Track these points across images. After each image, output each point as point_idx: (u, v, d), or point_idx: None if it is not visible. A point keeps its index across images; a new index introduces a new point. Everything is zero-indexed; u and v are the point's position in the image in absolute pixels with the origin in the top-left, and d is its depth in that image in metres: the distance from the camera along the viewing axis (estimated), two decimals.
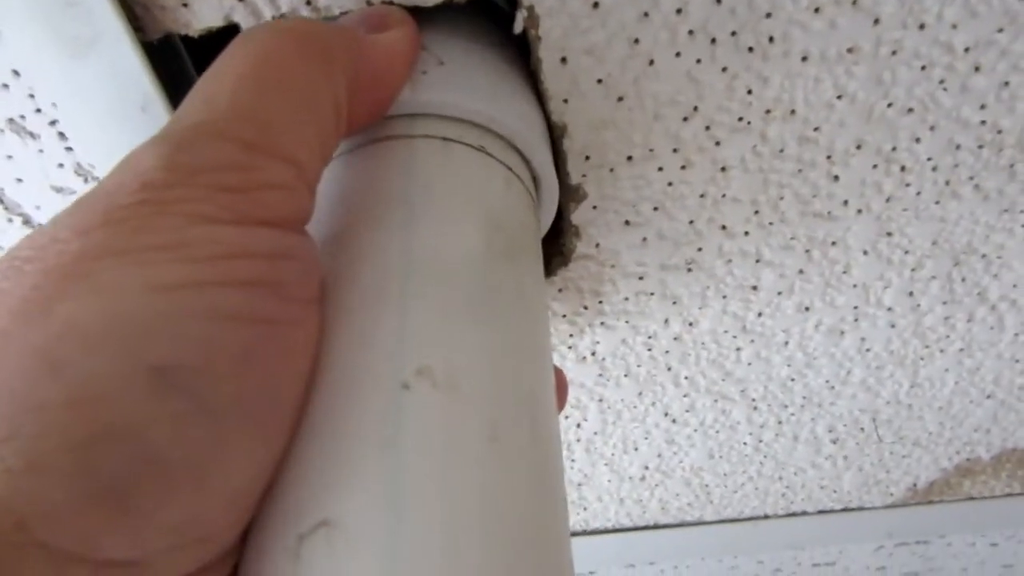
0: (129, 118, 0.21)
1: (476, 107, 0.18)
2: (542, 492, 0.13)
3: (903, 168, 0.25)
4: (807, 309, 0.31)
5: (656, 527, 0.47)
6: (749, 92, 0.22)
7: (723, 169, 0.25)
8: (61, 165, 0.23)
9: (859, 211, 0.27)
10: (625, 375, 0.34)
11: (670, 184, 0.25)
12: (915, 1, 0.20)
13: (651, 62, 0.21)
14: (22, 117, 0.21)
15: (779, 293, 0.30)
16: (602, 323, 0.31)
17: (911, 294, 0.31)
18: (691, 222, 0.26)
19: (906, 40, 0.21)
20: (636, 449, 0.39)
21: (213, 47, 0.16)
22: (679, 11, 0.20)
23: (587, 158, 0.24)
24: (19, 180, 0.23)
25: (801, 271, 0.29)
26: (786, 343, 0.33)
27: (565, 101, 0.22)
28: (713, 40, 0.21)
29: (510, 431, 0.13)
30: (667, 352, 0.33)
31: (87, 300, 0.11)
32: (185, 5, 0.19)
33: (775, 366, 0.34)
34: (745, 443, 0.39)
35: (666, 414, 0.37)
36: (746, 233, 0.27)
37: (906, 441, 0.40)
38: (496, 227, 0.16)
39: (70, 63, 0.20)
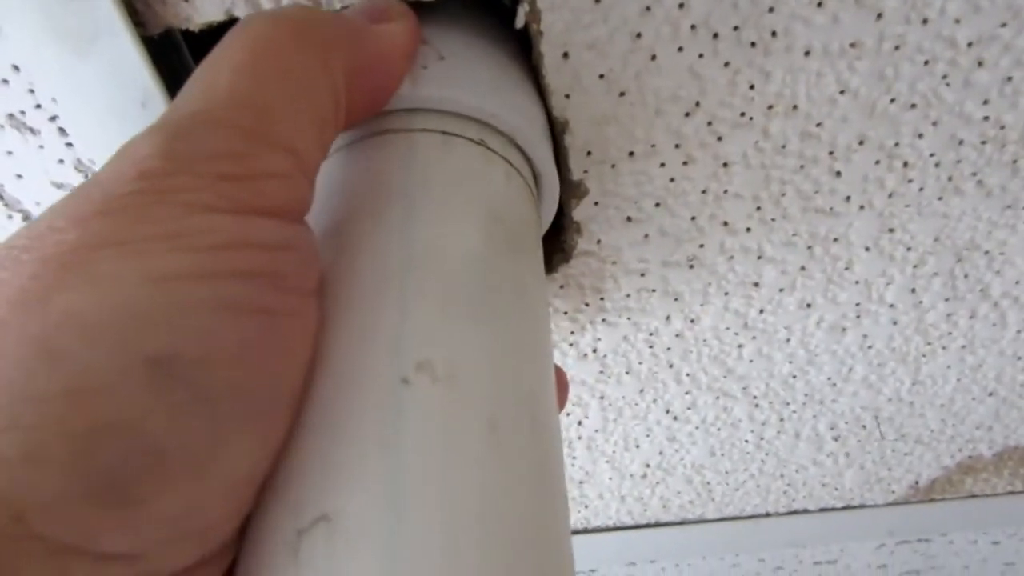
0: (129, 114, 0.21)
1: (476, 103, 0.17)
2: (542, 486, 0.13)
3: (905, 164, 0.25)
4: (809, 306, 0.31)
5: (657, 525, 0.47)
6: (751, 87, 0.22)
7: (725, 165, 0.24)
8: (61, 161, 0.23)
9: (861, 207, 0.27)
10: (626, 372, 0.34)
11: (672, 180, 0.25)
12: None
13: (653, 57, 0.21)
14: (22, 113, 0.21)
15: (781, 290, 0.30)
16: (603, 320, 0.31)
17: (913, 291, 0.31)
18: (693, 218, 0.26)
19: (909, 35, 0.21)
20: (637, 447, 0.39)
21: (214, 42, 0.16)
22: (681, 6, 0.20)
23: (589, 154, 0.23)
24: (19, 176, 0.23)
25: (803, 268, 0.29)
26: (788, 340, 0.33)
27: (567, 96, 0.22)
28: (715, 35, 0.21)
29: (510, 425, 0.13)
30: (668, 349, 0.33)
31: (85, 290, 0.11)
32: (186, 0, 0.19)
33: (777, 363, 0.34)
34: (746, 441, 0.39)
35: (667, 411, 0.37)
36: (748, 229, 0.27)
37: (908, 438, 0.40)
38: (496, 221, 0.16)
39: (70, 58, 0.20)
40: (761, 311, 0.31)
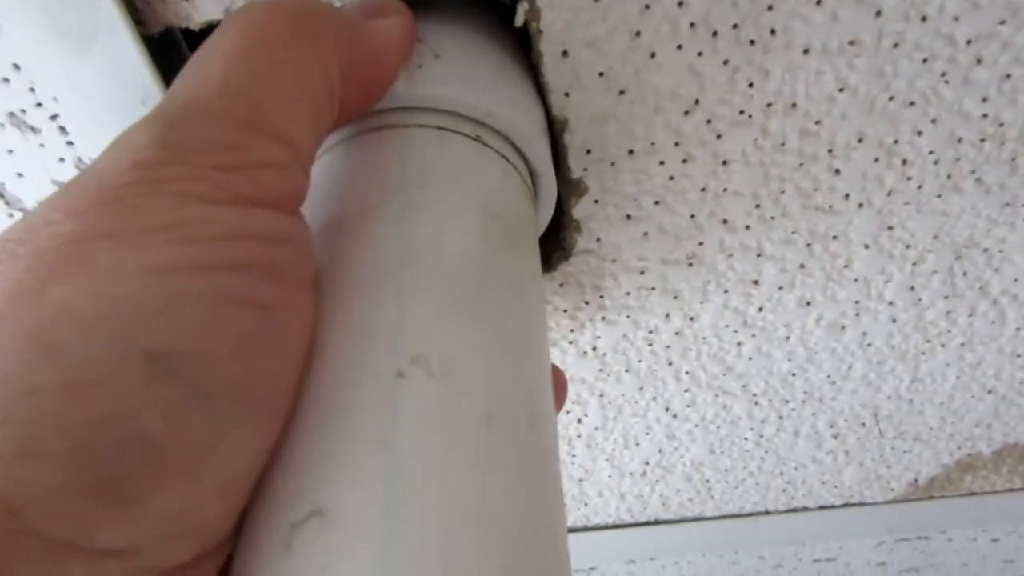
0: (130, 112, 0.21)
1: (471, 100, 0.17)
2: (538, 481, 0.13)
3: (904, 161, 0.25)
4: (808, 303, 0.31)
5: (657, 523, 0.47)
6: (750, 85, 0.22)
7: (724, 163, 0.25)
8: (62, 160, 0.23)
9: (860, 205, 0.27)
10: (626, 370, 0.34)
11: (671, 178, 0.25)
12: None
13: (652, 55, 0.21)
14: (23, 111, 0.21)
15: (780, 287, 0.30)
16: (603, 318, 0.31)
17: (912, 288, 0.31)
18: (692, 216, 0.26)
19: (908, 32, 0.21)
20: (637, 444, 0.39)
21: None
22: (680, 4, 0.20)
23: (588, 152, 0.24)
24: (20, 175, 0.23)
25: (802, 265, 0.29)
26: (787, 338, 0.33)
27: (566, 95, 0.22)
28: (714, 33, 0.21)
29: (506, 420, 0.13)
30: (668, 347, 0.33)
31: (81, 283, 0.10)
32: None
33: (776, 361, 0.34)
34: (746, 438, 0.39)
35: (667, 409, 0.37)
36: (747, 227, 0.27)
37: (907, 436, 0.40)
38: (493, 216, 0.16)
39: (71, 57, 0.20)
40: (760, 309, 0.31)
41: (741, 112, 0.23)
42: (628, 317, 0.31)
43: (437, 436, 0.12)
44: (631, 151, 0.24)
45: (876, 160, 0.25)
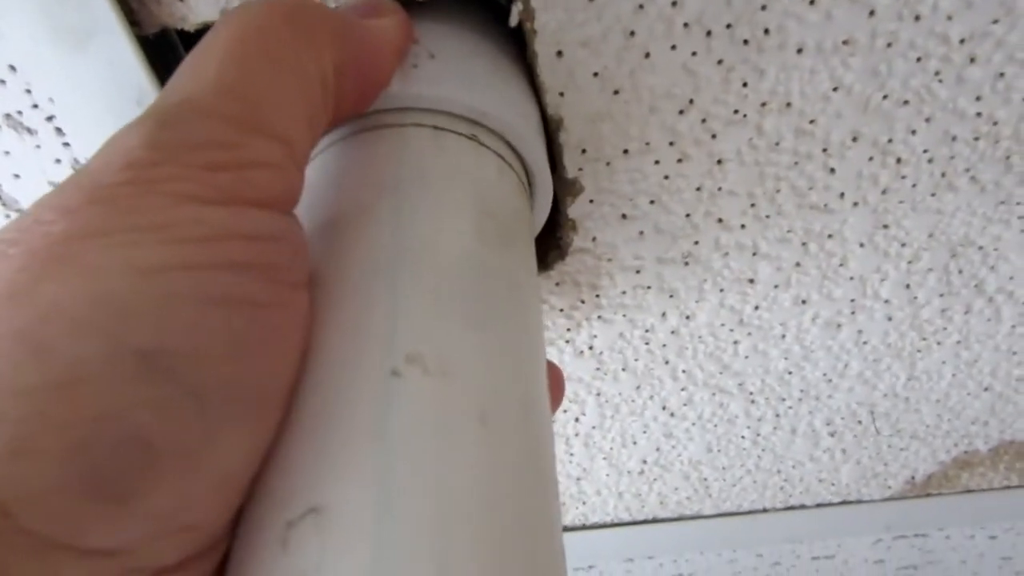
0: (126, 113, 0.21)
1: (467, 101, 0.18)
2: (533, 478, 0.13)
3: (899, 160, 0.25)
4: (804, 302, 0.31)
5: (655, 521, 0.47)
6: (745, 85, 0.22)
7: (719, 162, 0.25)
8: (58, 161, 0.23)
9: (855, 203, 0.27)
10: (623, 369, 0.34)
11: (666, 177, 0.25)
12: None
13: (647, 55, 0.21)
14: (19, 112, 0.21)
15: (776, 286, 0.30)
16: (599, 317, 0.31)
17: (908, 286, 0.31)
18: (688, 215, 0.26)
19: (902, 31, 0.21)
20: (634, 443, 0.39)
21: None
22: (674, 3, 0.20)
23: (583, 151, 0.24)
24: (16, 176, 0.23)
25: (798, 264, 0.29)
26: (783, 336, 0.33)
27: (561, 94, 0.22)
28: (708, 32, 0.21)
29: (501, 418, 0.13)
30: (664, 346, 0.33)
31: (72, 282, 0.10)
32: (181, 0, 0.19)
33: (772, 359, 0.34)
34: (743, 436, 0.39)
35: (664, 408, 0.37)
36: (743, 226, 0.27)
37: (904, 434, 0.40)
38: (488, 215, 0.16)
39: (67, 58, 0.20)
40: (756, 307, 0.31)
41: (736, 111, 0.23)
42: (624, 316, 0.31)
43: (432, 434, 0.12)
44: (626, 150, 0.24)
45: (871, 159, 0.25)
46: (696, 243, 0.28)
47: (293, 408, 0.13)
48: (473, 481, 0.12)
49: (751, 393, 0.36)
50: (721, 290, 0.30)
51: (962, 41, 0.22)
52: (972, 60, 0.22)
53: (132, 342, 0.10)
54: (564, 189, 0.25)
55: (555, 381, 0.22)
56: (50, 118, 0.21)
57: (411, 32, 0.18)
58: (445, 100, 0.17)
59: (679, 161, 0.24)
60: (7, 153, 0.22)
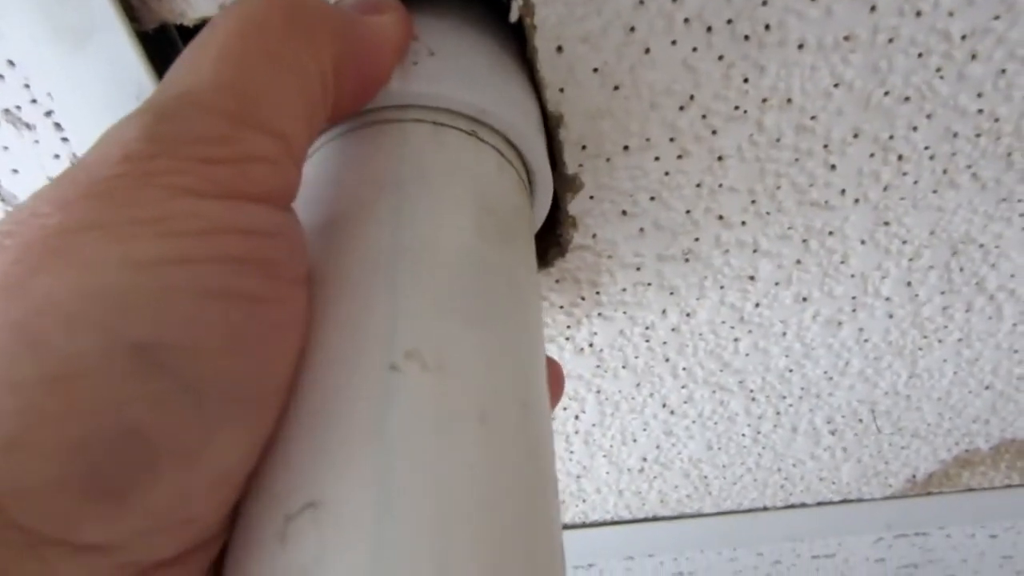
0: (125, 108, 0.21)
1: (467, 98, 0.17)
2: (532, 475, 0.13)
3: (900, 157, 0.25)
4: (805, 299, 0.31)
5: (655, 519, 0.47)
6: (745, 81, 0.22)
7: (720, 158, 0.25)
8: (57, 156, 0.23)
9: (856, 200, 0.27)
10: (623, 366, 0.34)
11: (667, 174, 0.25)
12: None
13: (647, 50, 0.21)
14: (18, 108, 0.21)
15: (777, 283, 0.30)
16: (599, 314, 0.31)
17: (909, 284, 0.31)
18: (688, 212, 0.26)
19: (903, 28, 0.21)
20: (634, 441, 0.39)
21: None
22: None
23: (584, 148, 0.24)
24: (15, 171, 0.23)
25: (799, 261, 0.29)
26: (784, 334, 0.33)
27: (561, 90, 0.22)
28: (709, 28, 0.21)
29: (500, 413, 0.13)
30: (665, 343, 0.33)
31: (67, 275, 0.10)
32: None
33: (773, 357, 0.34)
34: (743, 434, 0.39)
35: (664, 405, 0.37)
36: (743, 223, 0.27)
37: (905, 432, 0.40)
38: (488, 211, 0.16)
39: (66, 54, 0.20)
40: (757, 305, 0.31)
41: (736, 108, 0.23)
42: (624, 313, 0.31)
43: (431, 429, 0.12)
44: (626, 147, 0.24)
45: (872, 155, 0.25)
46: (696, 240, 0.28)
47: (291, 403, 0.13)
48: (472, 477, 0.12)
49: (751, 391, 0.36)
50: (721, 287, 0.30)
51: (963, 37, 0.22)
52: (973, 56, 0.22)
53: (128, 336, 0.10)
54: (564, 186, 0.25)
55: (555, 377, 0.22)
56: (49, 113, 0.21)
57: (411, 29, 0.18)
58: (445, 97, 0.17)
59: (679, 157, 0.24)
60: (5, 148, 0.22)
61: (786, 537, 0.49)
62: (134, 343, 0.10)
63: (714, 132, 0.24)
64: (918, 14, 0.21)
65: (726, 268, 0.29)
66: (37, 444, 0.09)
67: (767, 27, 0.21)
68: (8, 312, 0.10)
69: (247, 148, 0.12)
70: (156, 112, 0.12)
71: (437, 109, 0.17)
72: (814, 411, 0.38)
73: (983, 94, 0.23)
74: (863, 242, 0.28)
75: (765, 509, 0.47)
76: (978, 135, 0.25)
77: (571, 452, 0.40)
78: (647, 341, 0.32)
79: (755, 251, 0.28)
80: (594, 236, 0.27)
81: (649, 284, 0.29)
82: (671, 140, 0.24)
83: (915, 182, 0.26)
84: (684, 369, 0.34)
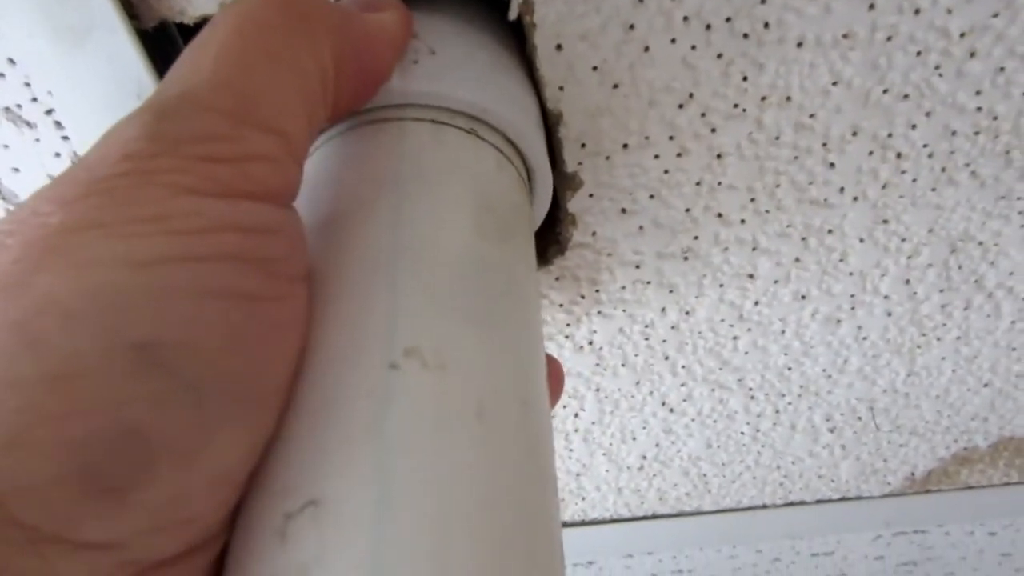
0: (125, 107, 0.21)
1: (467, 97, 0.17)
2: (531, 473, 0.13)
3: (899, 155, 0.25)
4: (804, 297, 0.31)
5: (655, 517, 0.47)
6: (744, 79, 0.22)
7: (719, 156, 0.25)
8: (58, 154, 0.23)
9: (855, 198, 0.27)
10: (622, 364, 0.34)
11: (666, 172, 0.25)
12: None
13: (646, 48, 0.21)
14: (18, 106, 0.21)
15: (776, 281, 0.30)
16: (599, 312, 0.31)
17: (908, 282, 0.31)
18: (687, 210, 0.26)
19: (901, 25, 0.21)
20: (634, 439, 0.39)
21: None
22: None
23: (583, 146, 0.24)
24: (16, 169, 0.23)
25: (798, 259, 0.29)
26: (783, 332, 0.33)
27: (561, 88, 0.22)
28: (708, 26, 0.21)
29: (500, 411, 0.13)
30: (664, 341, 0.33)
31: (67, 274, 0.10)
32: None
33: (772, 355, 0.34)
34: (743, 432, 0.39)
35: (663, 403, 0.37)
36: (742, 221, 0.27)
37: (903, 430, 0.40)
38: (487, 209, 0.16)
39: (66, 52, 0.20)
40: (756, 303, 0.31)
41: (735, 106, 0.23)
42: (624, 311, 0.31)
43: (431, 427, 0.12)
44: (626, 145, 0.24)
45: (871, 153, 0.25)
46: (696, 238, 0.28)
47: (292, 402, 0.13)
48: (472, 475, 0.12)
49: (750, 389, 0.36)
50: (721, 285, 0.30)
51: (962, 35, 0.22)
52: (972, 54, 0.22)
53: (128, 335, 0.10)
54: (564, 184, 0.25)
55: (554, 375, 0.22)
56: (49, 112, 0.21)
57: (411, 26, 0.18)
58: (446, 96, 0.17)
59: (679, 155, 0.24)
60: (6, 147, 0.22)
61: (785, 535, 0.49)
62: (134, 342, 0.10)
63: (713, 130, 0.24)
64: (917, 11, 0.21)
65: (725, 266, 0.29)
66: (37, 442, 0.09)
67: (766, 25, 0.21)
68: (8, 311, 0.10)
69: (248, 147, 0.13)
70: (157, 111, 0.12)
71: (437, 108, 0.17)
72: (813, 409, 0.38)
73: (982, 92, 0.23)
74: (862, 240, 0.28)
75: (764, 507, 0.47)
76: (977, 133, 0.25)
77: (570, 450, 0.40)
78: (646, 339, 0.33)
79: (754, 249, 0.28)
80: (594, 234, 0.27)
81: (648, 282, 0.29)
82: (670, 138, 0.24)
83: (914, 180, 0.26)
84: (683, 367, 0.34)
